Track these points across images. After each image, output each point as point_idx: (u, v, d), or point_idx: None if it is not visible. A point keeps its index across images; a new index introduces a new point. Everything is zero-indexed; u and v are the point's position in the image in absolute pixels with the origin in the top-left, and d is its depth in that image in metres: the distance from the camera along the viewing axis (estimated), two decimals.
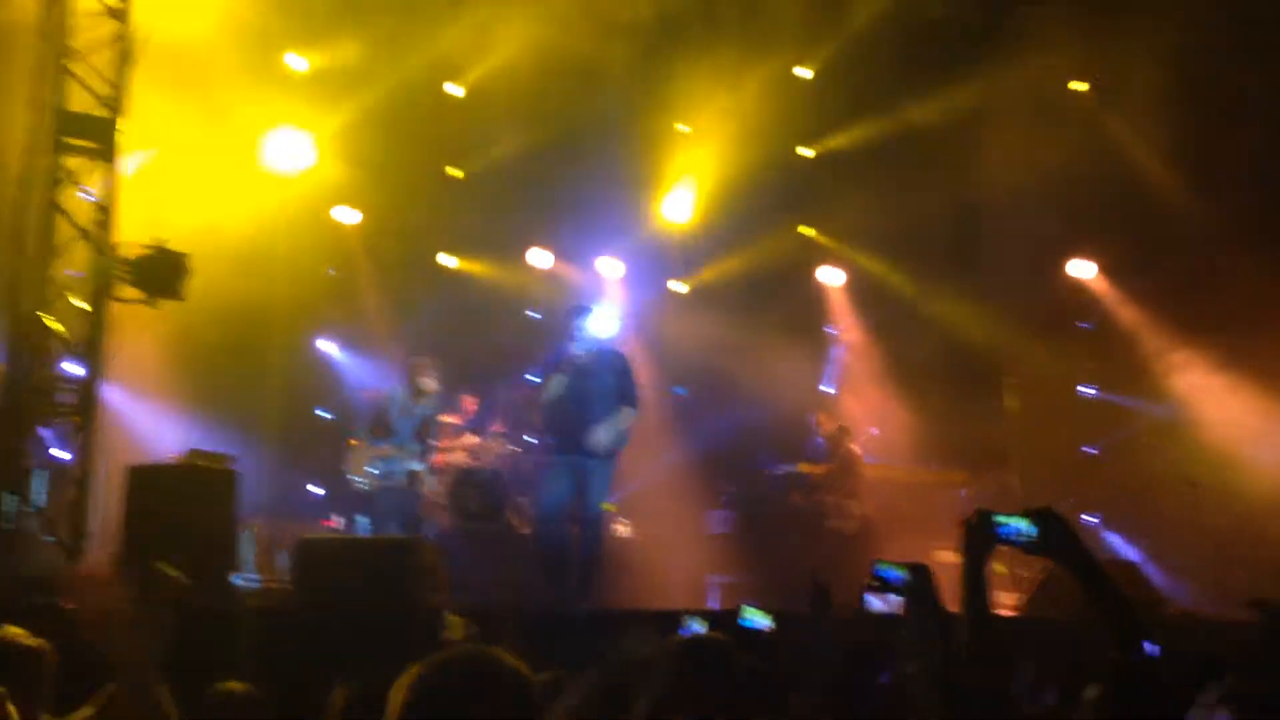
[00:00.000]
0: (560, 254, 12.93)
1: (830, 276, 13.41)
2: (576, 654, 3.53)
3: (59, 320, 7.47)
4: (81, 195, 7.67)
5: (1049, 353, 11.60)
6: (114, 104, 7.75)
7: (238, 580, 7.35)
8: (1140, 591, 7.59)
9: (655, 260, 13.27)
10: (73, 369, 7.58)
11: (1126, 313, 11.85)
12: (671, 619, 4.16)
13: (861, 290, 13.25)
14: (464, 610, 5.57)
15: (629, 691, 2.86)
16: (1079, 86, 11.79)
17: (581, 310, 7.85)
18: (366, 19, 10.77)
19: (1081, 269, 12.30)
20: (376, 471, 9.42)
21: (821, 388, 12.85)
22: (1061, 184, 11.03)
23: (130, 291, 7.55)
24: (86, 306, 7.53)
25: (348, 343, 12.16)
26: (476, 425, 11.08)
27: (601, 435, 7.54)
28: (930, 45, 10.97)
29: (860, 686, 3.45)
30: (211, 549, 6.69)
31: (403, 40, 10.81)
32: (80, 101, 7.71)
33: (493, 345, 12.11)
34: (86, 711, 2.78)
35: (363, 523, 9.76)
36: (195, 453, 7.59)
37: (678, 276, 13.51)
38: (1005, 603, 8.82)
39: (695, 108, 12.18)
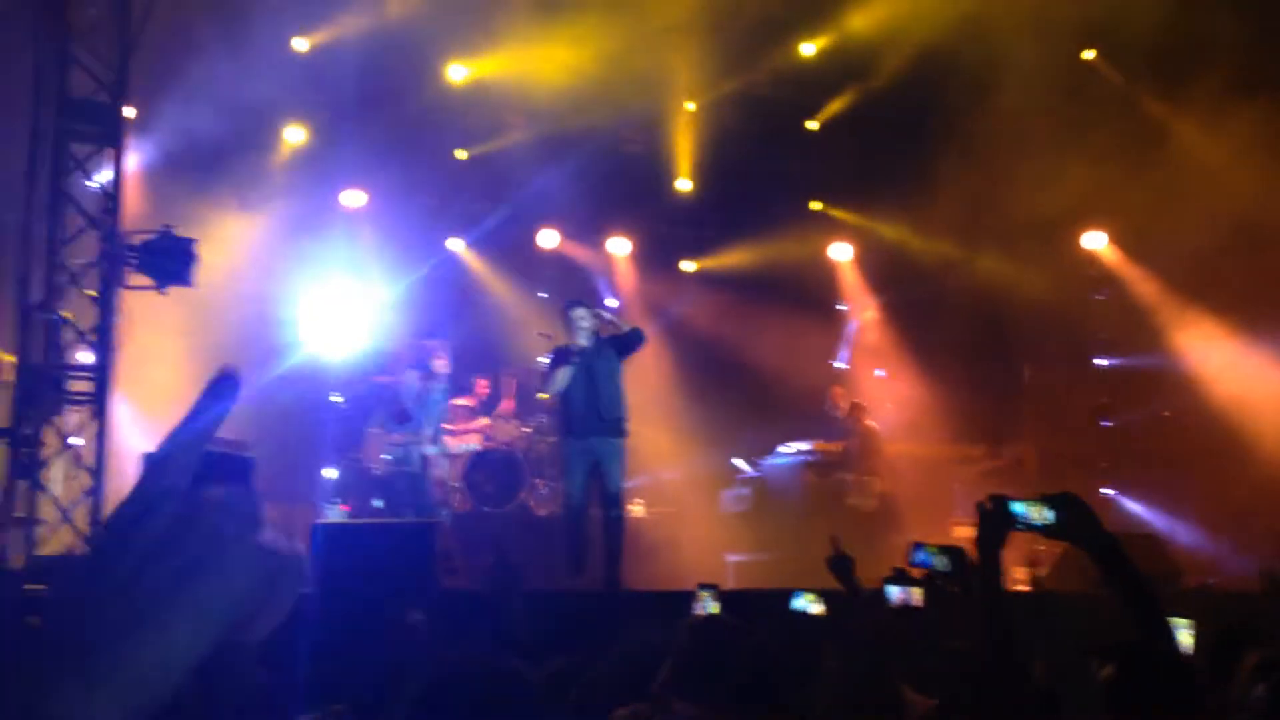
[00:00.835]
0: (567, 234, 12.87)
1: (841, 252, 13.33)
2: (593, 637, 3.50)
3: (69, 309, 7.45)
4: (88, 183, 7.65)
5: (1065, 325, 11.50)
6: (117, 90, 7.71)
7: None
8: (1159, 564, 7.54)
9: (665, 239, 13.22)
10: (85, 357, 7.58)
11: (1141, 282, 11.73)
12: (687, 600, 4.13)
13: (874, 266, 13.16)
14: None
15: (644, 676, 2.83)
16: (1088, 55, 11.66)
17: (574, 303, 8.00)
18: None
19: (1094, 240, 12.16)
20: (391, 457, 9.41)
21: (836, 364, 12.80)
22: (1076, 152, 10.89)
23: (140, 279, 7.53)
24: (96, 294, 7.52)
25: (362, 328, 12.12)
26: (489, 407, 11.07)
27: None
28: None
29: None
30: None
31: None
32: (84, 89, 7.68)
33: (498, 326, 12.10)
34: None
35: (378, 507, 9.77)
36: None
37: (688, 255, 13.46)
38: (1020, 577, 8.79)
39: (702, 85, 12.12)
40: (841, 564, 3.29)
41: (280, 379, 10.31)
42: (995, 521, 2.64)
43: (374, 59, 11.14)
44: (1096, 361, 12.08)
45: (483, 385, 11.05)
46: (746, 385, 12.04)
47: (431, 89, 11.79)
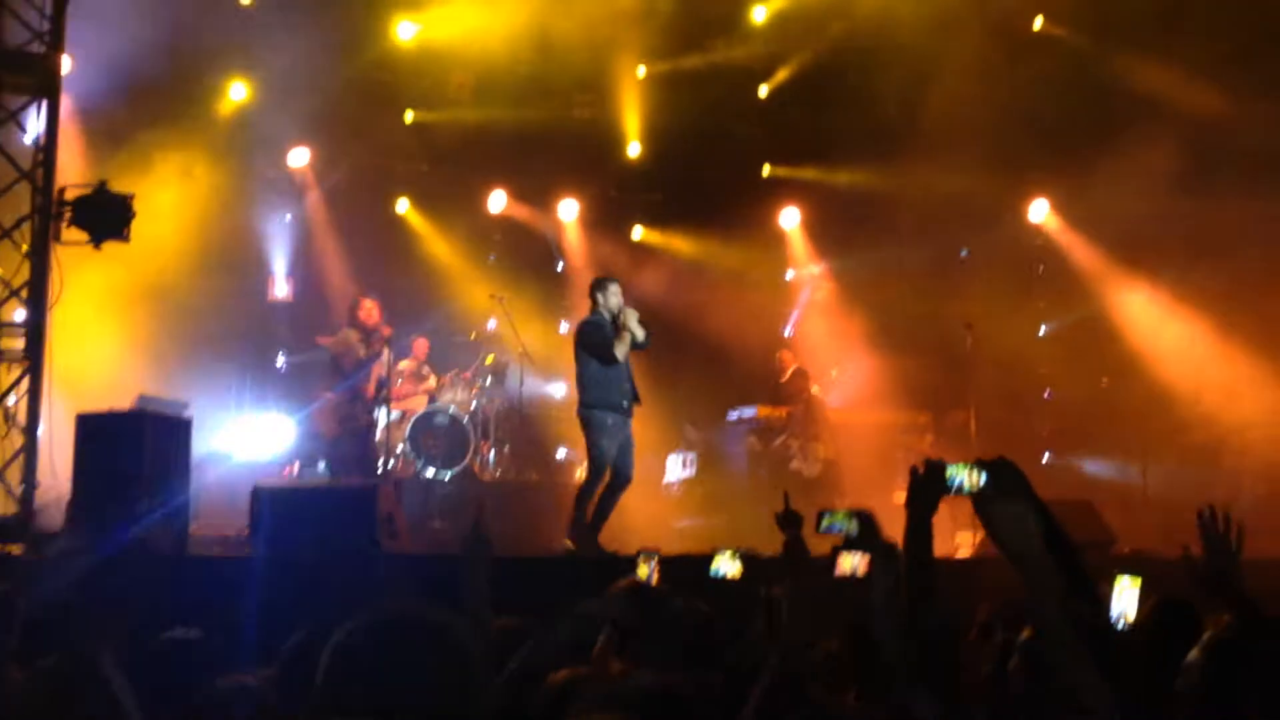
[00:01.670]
0: (516, 195, 12.75)
1: (790, 219, 13.31)
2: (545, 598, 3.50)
3: (1, 264, 7.27)
4: (22, 135, 7.44)
5: (1008, 293, 11.62)
6: (53, 40, 7.48)
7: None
8: (1092, 531, 7.67)
9: (614, 203, 13.15)
10: (17, 314, 7.40)
11: (1079, 250, 11.88)
12: (631, 564, 4.14)
13: (823, 230, 13.17)
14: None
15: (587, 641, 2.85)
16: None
17: (603, 283, 8.17)
18: None
19: (1037, 210, 12.25)
20: (335, 419, 9.33)
21: (785, 331, 12.84)
22: (1018, 122, 10.98)
23: (74, 233, 7.35)
24: (28, 249, 7.33)
25: (305, 285, 11.96)
26: (432, 368, 10.96)
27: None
28: None
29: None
30: (165, 498, 6.58)
31: None
32: (18, 38, 7.45)
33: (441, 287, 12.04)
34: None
35: (320, 470, 9.69)
36: (146, 399, 7.46)
37: (638, 220, 13.39)
38: (965, 542, 8.91)
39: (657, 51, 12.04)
40: (789, 520, 3.29)
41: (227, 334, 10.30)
42: (926, 485, 2.60)
43: (321, 12, 10.91)
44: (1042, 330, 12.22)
45: (420, 346, 10.92)
46: (696, 351, 12.03)
47: (379, 47, 11.59)
